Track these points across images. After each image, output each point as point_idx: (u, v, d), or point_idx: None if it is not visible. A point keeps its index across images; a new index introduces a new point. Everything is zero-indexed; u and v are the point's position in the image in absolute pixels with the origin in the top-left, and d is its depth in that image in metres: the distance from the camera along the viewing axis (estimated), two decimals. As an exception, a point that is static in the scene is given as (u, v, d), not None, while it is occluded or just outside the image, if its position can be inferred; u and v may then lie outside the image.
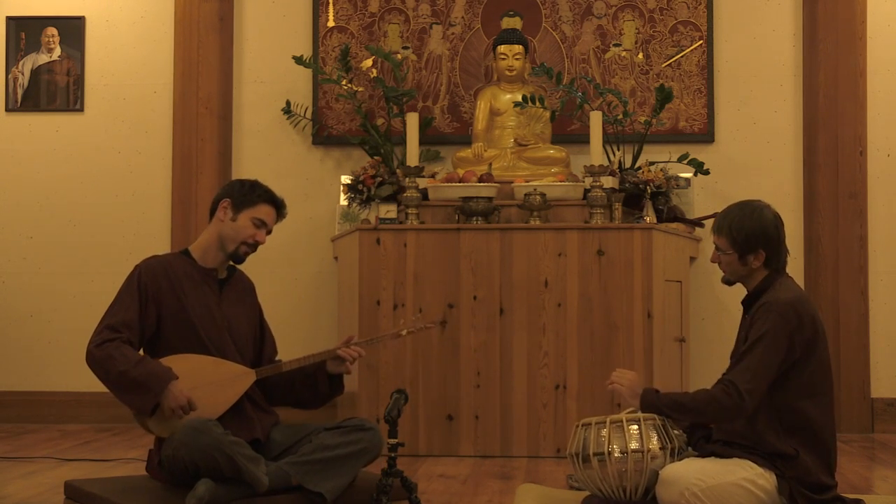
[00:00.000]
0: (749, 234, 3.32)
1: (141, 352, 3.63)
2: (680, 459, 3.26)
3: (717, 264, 3.43)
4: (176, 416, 3.44)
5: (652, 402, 3.30)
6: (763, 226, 3.34)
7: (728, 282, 3.46)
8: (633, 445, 3.20)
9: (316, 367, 3.71)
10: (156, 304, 3.58)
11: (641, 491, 3.21)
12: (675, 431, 3.30)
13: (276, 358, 3.86)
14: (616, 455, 3.20)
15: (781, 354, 3.21)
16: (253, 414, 3.64)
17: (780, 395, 3.23)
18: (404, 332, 3.80)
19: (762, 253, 3.34)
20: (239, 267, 3.82)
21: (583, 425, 3.30)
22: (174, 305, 3.59)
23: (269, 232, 3.73)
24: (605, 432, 3.23)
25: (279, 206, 3.75)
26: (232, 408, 3.57)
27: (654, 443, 3.22)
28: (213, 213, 3.75)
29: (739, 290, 3.42)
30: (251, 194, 3.69)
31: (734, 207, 3.41)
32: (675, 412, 3.28)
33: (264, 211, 3.70)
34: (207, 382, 3.51)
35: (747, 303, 3.40)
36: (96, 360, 3.47)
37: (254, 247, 3.71)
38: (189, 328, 3.58)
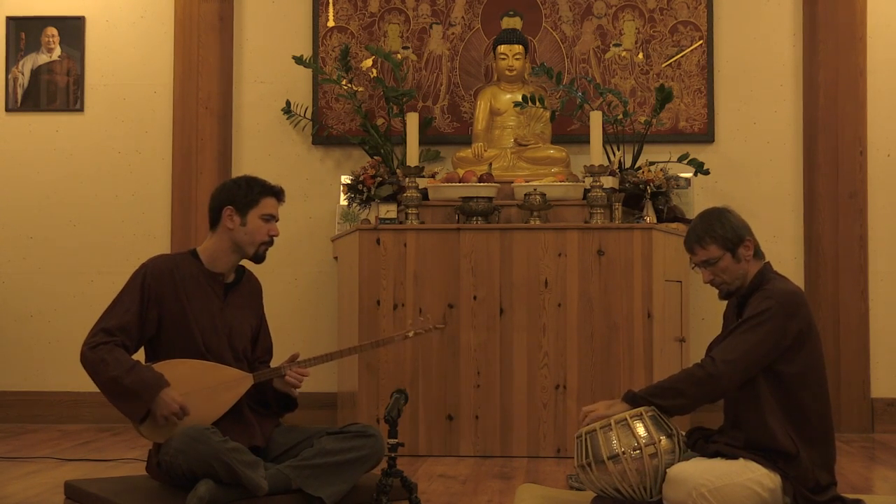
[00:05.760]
0: (731, 225, 3.35)
1: (142, 350, 3.63)
2: (684, 458, 3.26)
3: (710, 283, 3.41)
4: (170, 423, 3.43)
5: (634, 397, 3.31)
6: (734, 215, 3.39)
7: (728, 293, 3.41)
8: (644, 441, 3.21)
9: (265, 382, 3.66)
10: (158, 306, 3.56)
11: (659, 485, 3.21)
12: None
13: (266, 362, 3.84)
14: (632, 454, 3.20)
15: (772, 337, 3.21)
16: (253, 420, 3.62)
17: (776, 387, 3.24)
18: (411, 334, 3.77)
19: (749, 240, 3.35)
20: (249, 269, 3.80)
21: (587, 433, 3.29)
22: (176, 309, 3.57)
23: (277, 220, 3.71)
24: (613, 434, 3.23)
25: (279, 195, 3.72)
26: (232, 414, 3.56)
27: (662, 434, 3.23)
28: (213, 220, 3.68)
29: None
30: (251, 193, 3.65)
31: (695, 222, 3.43)
32: (656, 398, 3.29)
33: (269, 204, 3.67)
34: (203, 387, 3.50)
35: (744, 298, 3.38)
36: (89, 362, 3.46)
37: (271, 242, 3.69)
38: (188, 333, 3.57)
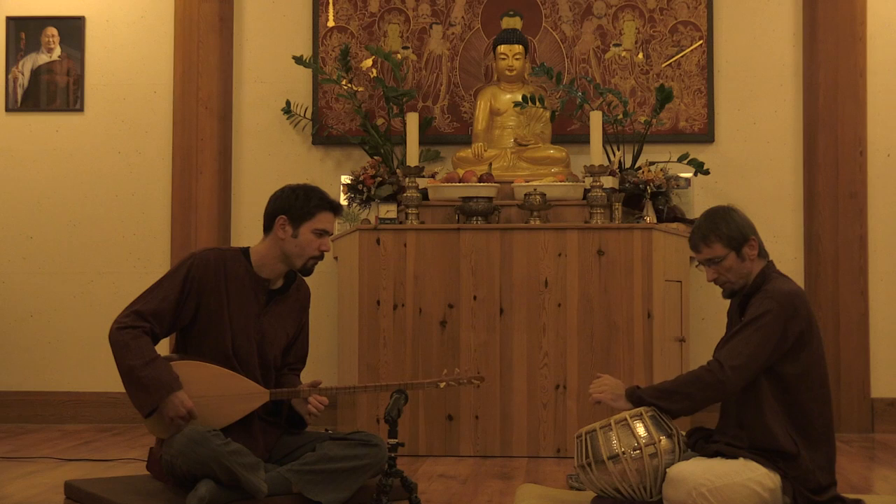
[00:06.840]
0: (736, 224, 3.36)
1: (173, 337, 3.58)
2: (684, 458, 3.26)
3: (714, 281, 3.41)
4: (175, 425, 3.43)
5: (639, 398, 3.31)
6: (739, 214, 3.39)
7: (732, 292, 3.41)
8: (644, 441, 3.21)
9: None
10: (197, 299, 3.51)
11: (659, 485, 3.21)
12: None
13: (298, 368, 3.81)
14: (631, 454, 3.20)
15: (773, 339, 3.21)
16: (260, 435, 3.59)
17: (778, 388, 3.24)
18: (442, 385, 3.69)
19: (754, 240, 3.35)
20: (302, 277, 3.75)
21: (587, 433, 3.29)
22: (214, 306, 3.52)
23: (330, 235, 3.63)
24: (613, 434, 3.23)
25: (337, 210, 3.63)
26: (240, 425, 3.52)
27: (662, 434, 3.23)
28: (267, 226, 3.62)
29: (739, 291, 3.41)
30: (307, 205, 3.56)
31: (700, 220, 3.43)
32: (662, 401, 3.28)
33: (324, 219, 3.57)
34: (217, 394, 3.48)
35: (746, 298, 3.38)
36: (113, 342, 3.43)
37: (321, 256, 3.61)
38: (219, 331, 3.52)
